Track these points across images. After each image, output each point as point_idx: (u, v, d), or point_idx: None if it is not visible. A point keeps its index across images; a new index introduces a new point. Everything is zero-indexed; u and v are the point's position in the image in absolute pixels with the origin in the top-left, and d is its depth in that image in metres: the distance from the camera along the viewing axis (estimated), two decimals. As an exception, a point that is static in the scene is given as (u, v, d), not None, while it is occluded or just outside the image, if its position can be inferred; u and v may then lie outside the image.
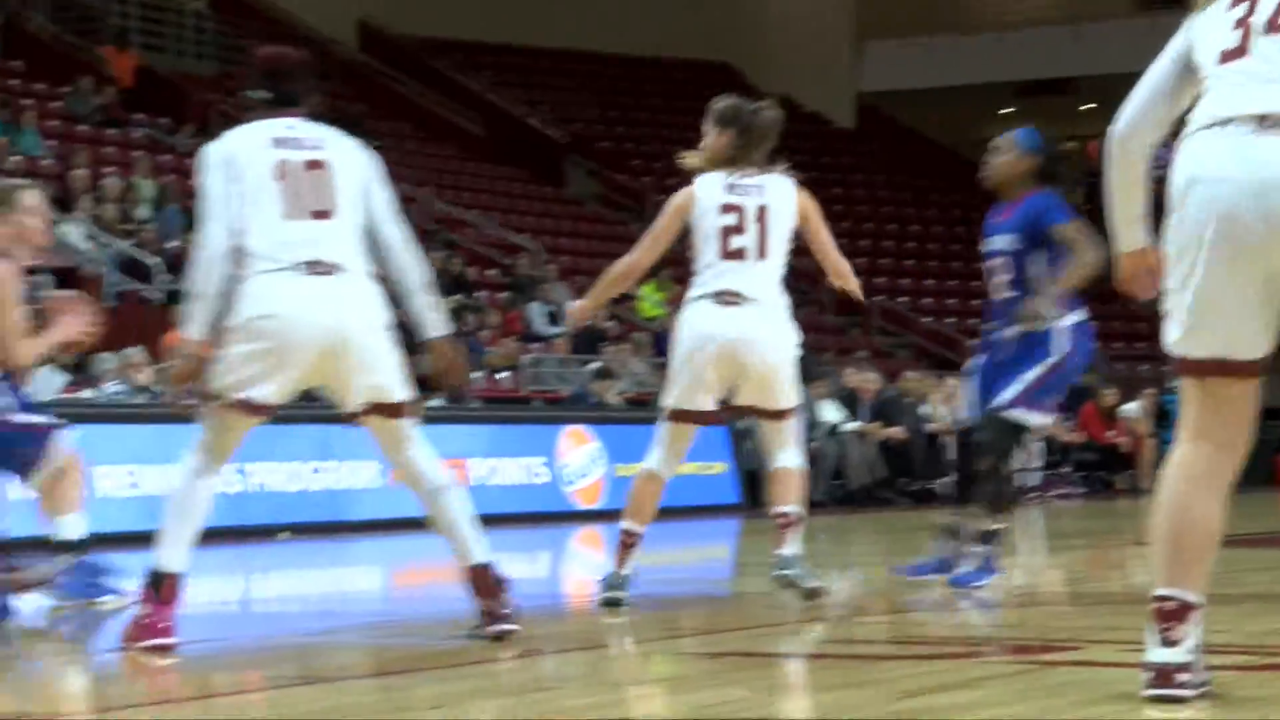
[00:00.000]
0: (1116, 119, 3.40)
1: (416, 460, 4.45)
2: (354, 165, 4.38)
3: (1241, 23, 3.20)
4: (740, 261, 5.19)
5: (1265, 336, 3.15)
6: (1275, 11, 3.15)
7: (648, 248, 5.43)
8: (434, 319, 4.41)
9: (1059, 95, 26.45)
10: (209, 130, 17.08)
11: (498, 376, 14.85)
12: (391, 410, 4.36)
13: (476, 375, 13.93)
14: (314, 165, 4.30)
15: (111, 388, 11.19)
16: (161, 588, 4.22)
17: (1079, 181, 14.91)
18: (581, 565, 10.10)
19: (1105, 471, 16.74)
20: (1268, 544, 8.88)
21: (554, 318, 16.04)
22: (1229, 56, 3.18)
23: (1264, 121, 3.06)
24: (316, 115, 4.53)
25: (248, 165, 4.24)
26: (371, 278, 4.38)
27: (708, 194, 5.33)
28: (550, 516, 12.70)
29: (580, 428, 13.47)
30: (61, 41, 19.52)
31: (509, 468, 12.85)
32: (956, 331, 21.14)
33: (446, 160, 21.70)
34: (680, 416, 5.36)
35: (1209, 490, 3.16)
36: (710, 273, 5.27)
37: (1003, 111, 26.49)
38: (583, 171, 23.39)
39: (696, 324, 5.28)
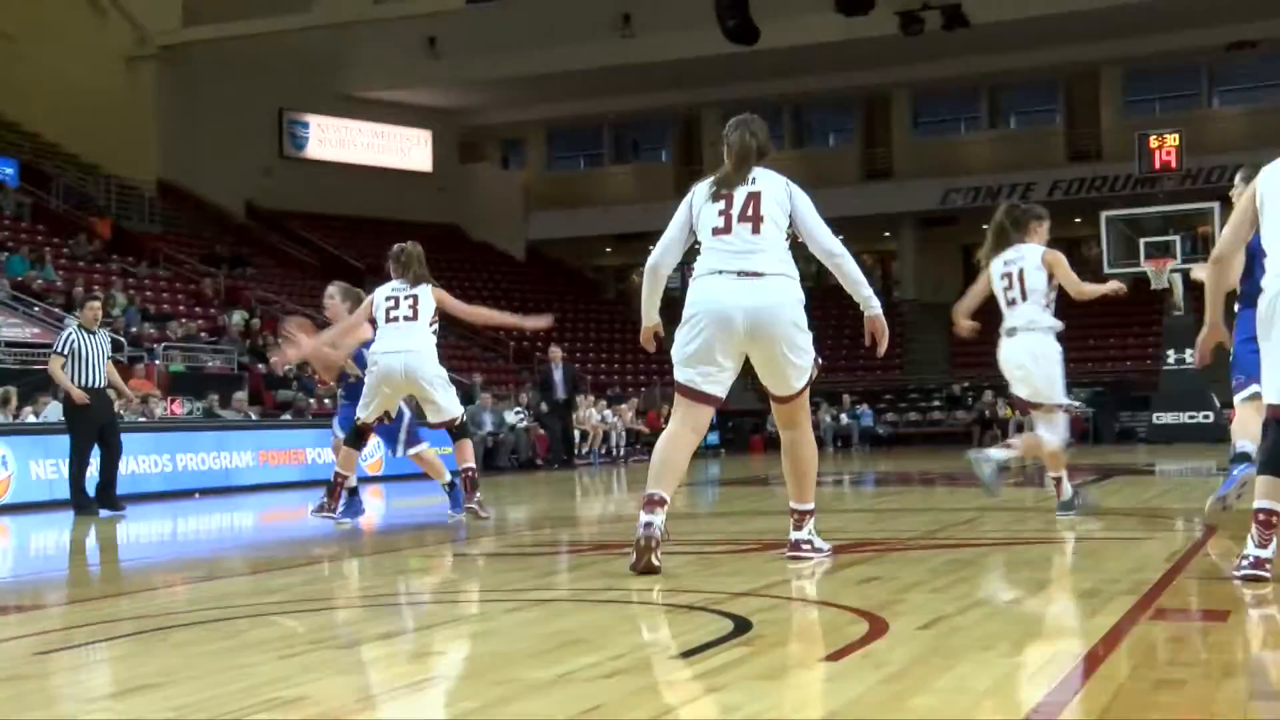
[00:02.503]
0: (653, 252, 5.68)
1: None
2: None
3: (724, 213, 5.46)
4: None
5: (722, 386, 5.57)
6: (743, 208, 5.38)
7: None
8: None
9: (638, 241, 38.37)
10: (158, 266, 26.62)
11: (326, 401, 23.55)
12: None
13: (310, 401, 22.71)
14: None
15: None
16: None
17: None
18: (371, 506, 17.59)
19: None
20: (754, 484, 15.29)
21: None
22: (718, 233, 5.48)
23: (740, 274, 5.43)
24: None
25: None
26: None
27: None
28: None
29: None
30: (69, 213, 27.64)
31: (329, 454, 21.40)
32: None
33: (293, 281, 30.68)
34: None
35: (686, 449, 5.58)
36: None
37: (606, 250, 39.46)
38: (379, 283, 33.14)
39: None
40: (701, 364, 5.50)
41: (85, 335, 11.75)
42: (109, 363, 12.00)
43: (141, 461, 15.12)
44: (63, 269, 23.89)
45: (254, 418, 19.66)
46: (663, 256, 5.73)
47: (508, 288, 34.79)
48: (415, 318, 8.61)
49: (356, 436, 8.91)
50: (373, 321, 8.78)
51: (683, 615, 4.44)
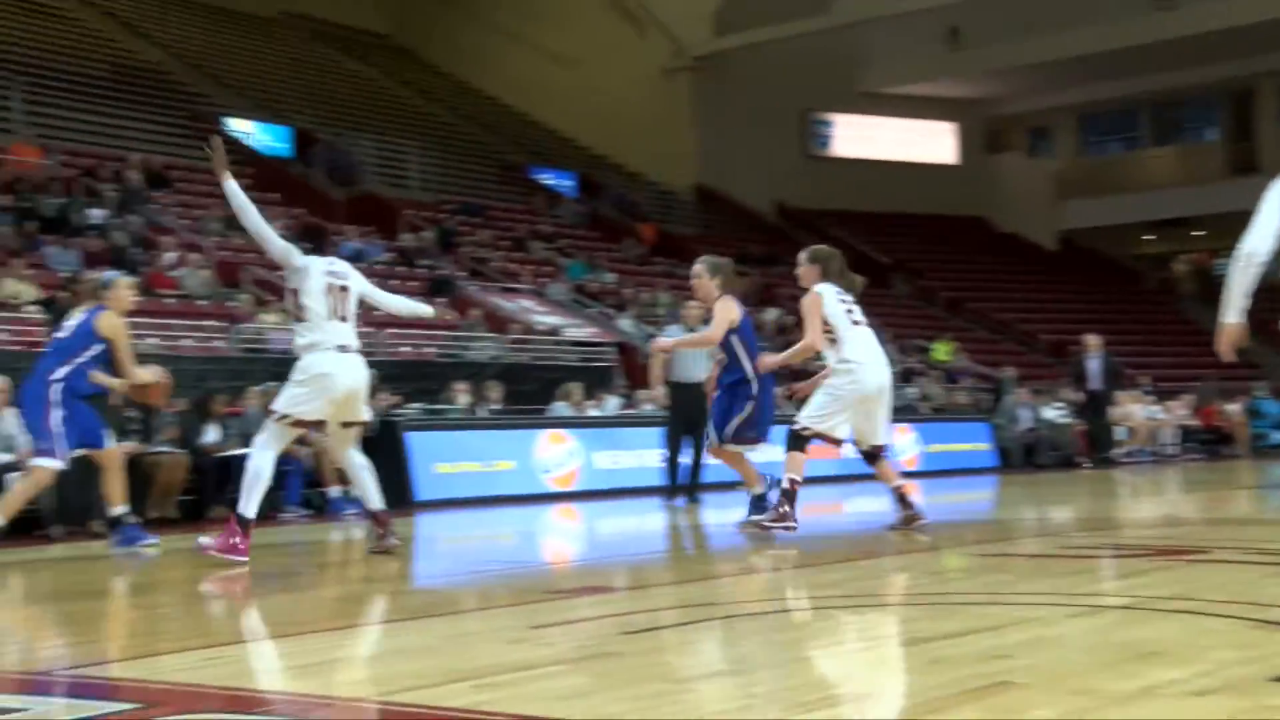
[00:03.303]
0: (1247, 238, 5.19)
1: None
2: None
3: None
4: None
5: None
6: None
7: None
8: None
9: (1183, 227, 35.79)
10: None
11: None
12: None
13: None
14: None
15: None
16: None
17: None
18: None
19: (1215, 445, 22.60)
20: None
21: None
22: None
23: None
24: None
25: None
26: None
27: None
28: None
29: (904, 424, 18.48)
30: (622, 219, 29.66)
31: None
32: None
33: None
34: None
35: None
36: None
37: (1146, 238, 37.17)
38: (901, 280, 32.62)
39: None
40: None
41: (685, 333, 12.50)
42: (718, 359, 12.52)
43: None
44: (615, 271, 25.42)
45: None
46: (1260, 244, 5.33)
47: (1038, 279, 33.75)
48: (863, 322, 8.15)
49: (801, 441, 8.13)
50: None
51: (1276, 633, 4.11)
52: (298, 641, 4.63)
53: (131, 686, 3.72)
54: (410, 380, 16.79)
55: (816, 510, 12.79)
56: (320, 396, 7.36)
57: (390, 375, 16.42)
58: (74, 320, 8.47)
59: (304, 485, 12.95)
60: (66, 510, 10.79)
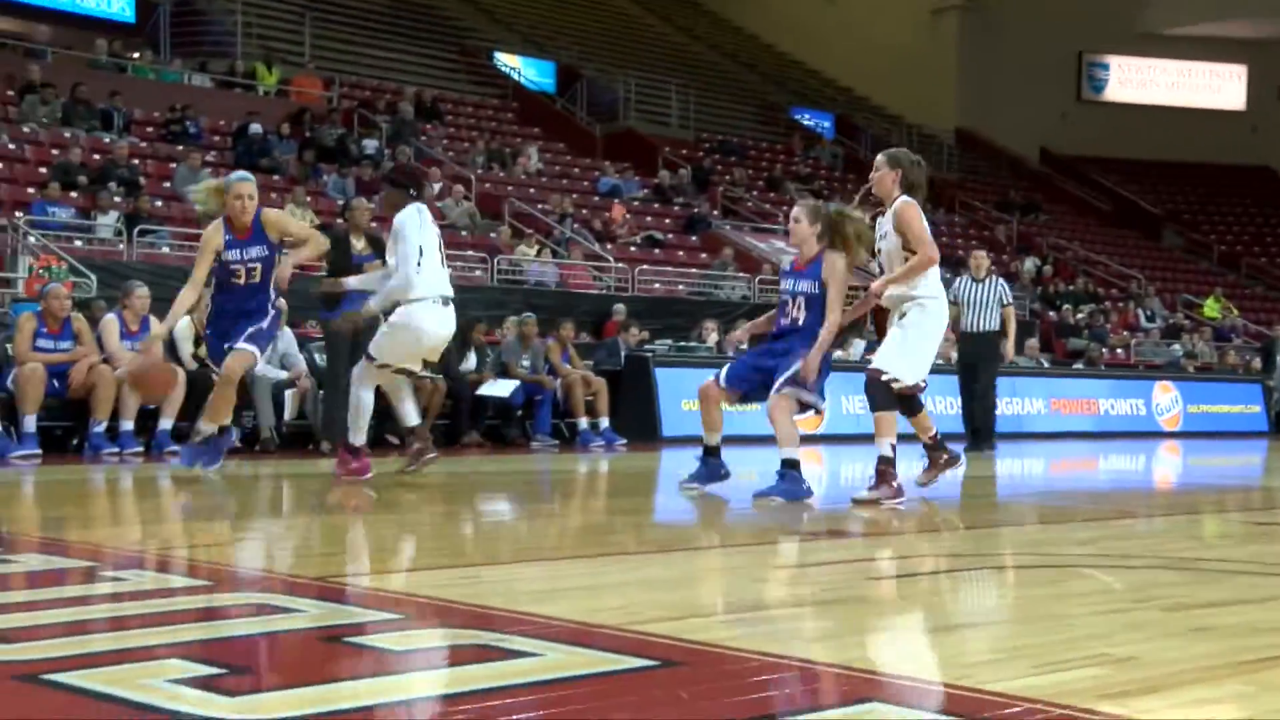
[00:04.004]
0: None
1: None
2: None
3: None
4: None
5: None
6: None
7: None
8: None
9: None
10: (954, 213, 27.22)
11: (1118, 351, 22.30)
12: None
13: (1103, 350, 21.73)
14: None
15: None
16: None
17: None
18: (1166, 464, 12.96)
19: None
20: None
21: (1150, 318, 23.85)
22: None
23: None
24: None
25: None
26: None
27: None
28: (1145, 434, 18.05)
29: (1167, 382, 19.37)
30: None
31: (1123, 405, 18.73)
32: None
33: (1087, 226, 30.54)
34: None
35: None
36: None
37: None
38: (1172, 232, 31.26)
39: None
40: None
41: (973, 284, 12.36)
42: (1005, 309, 12.41)
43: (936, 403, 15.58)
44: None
45: (1045, 365, 19.53)
46: None
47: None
48: None
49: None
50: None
51: None
52: (545, 566, 4.74)
53: (390, 598, 3.87)
54: (660, 316, 16.97)
55: (1073, 465, 12.43)
56: (415, 345, 7.73)
57: (640, 311, 16.65)
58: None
59: (553, 415, 13.25)
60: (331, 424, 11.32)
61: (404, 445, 9.10)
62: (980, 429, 12.65)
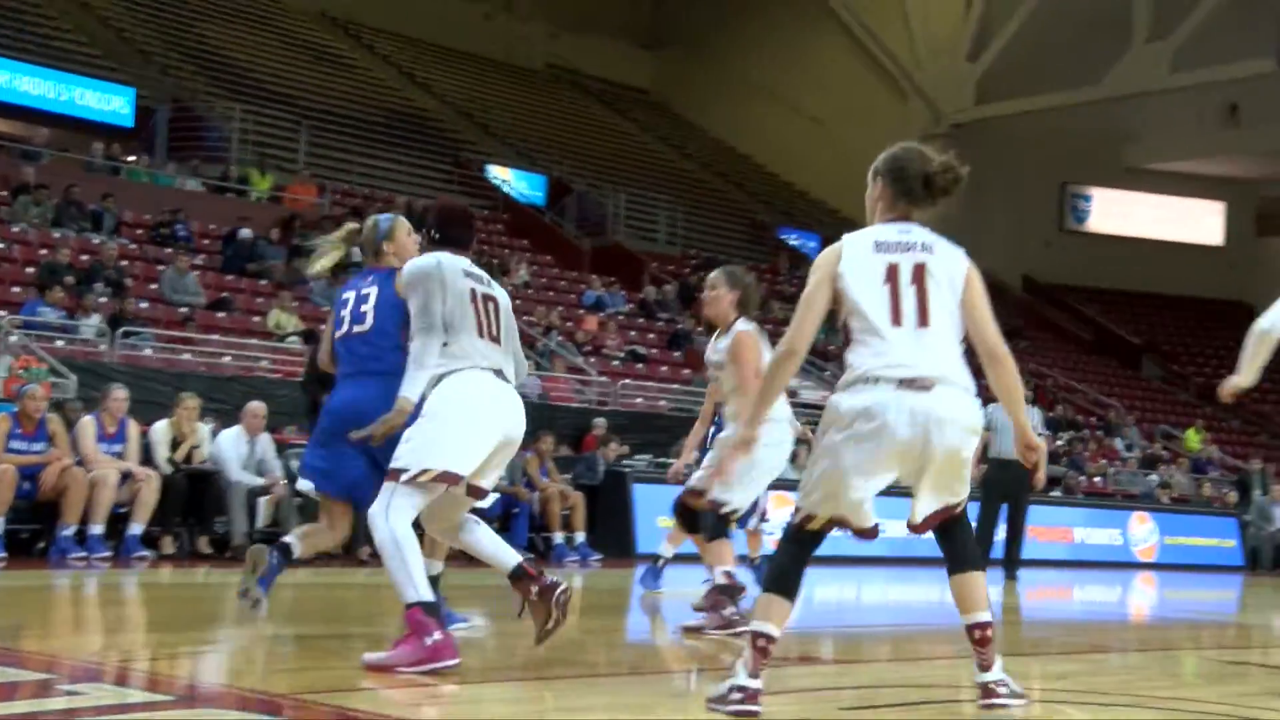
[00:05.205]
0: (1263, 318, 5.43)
1: None
2: None
3: None
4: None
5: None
6: None
7: None
8: None
9: None
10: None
11: (1095, 479, 22.14)
12: None
13: (1081, 479, 21.52)
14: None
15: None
16: None
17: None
18: (1142, 596, 13.15)
19: None
20: None
21: (1129, 447, 23.80)
22: None
23: None
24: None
25: None
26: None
27: None
28: (1121, 564, 17.71)
29: (1144, 513, 19.02)
30: None
31: (1099, 535, 18.32)
32: None
33: (1068, 354, 30.72)
34: None
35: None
36: None
37: None
38: (1151, 362, 31.51)
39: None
40: None
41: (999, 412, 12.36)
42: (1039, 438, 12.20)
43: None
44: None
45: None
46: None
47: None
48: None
49: None
50: None
51: None
52: (514, 686, 4.68)
53: (353, 718, 3.82)
54: (641, 431, 16.96)
55: (1046, 594, 12.36)
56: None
57: (621, 425, 16.64)
58: None
59: (529, 529, 13.17)
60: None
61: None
62: (1012, 559, 12.59)
